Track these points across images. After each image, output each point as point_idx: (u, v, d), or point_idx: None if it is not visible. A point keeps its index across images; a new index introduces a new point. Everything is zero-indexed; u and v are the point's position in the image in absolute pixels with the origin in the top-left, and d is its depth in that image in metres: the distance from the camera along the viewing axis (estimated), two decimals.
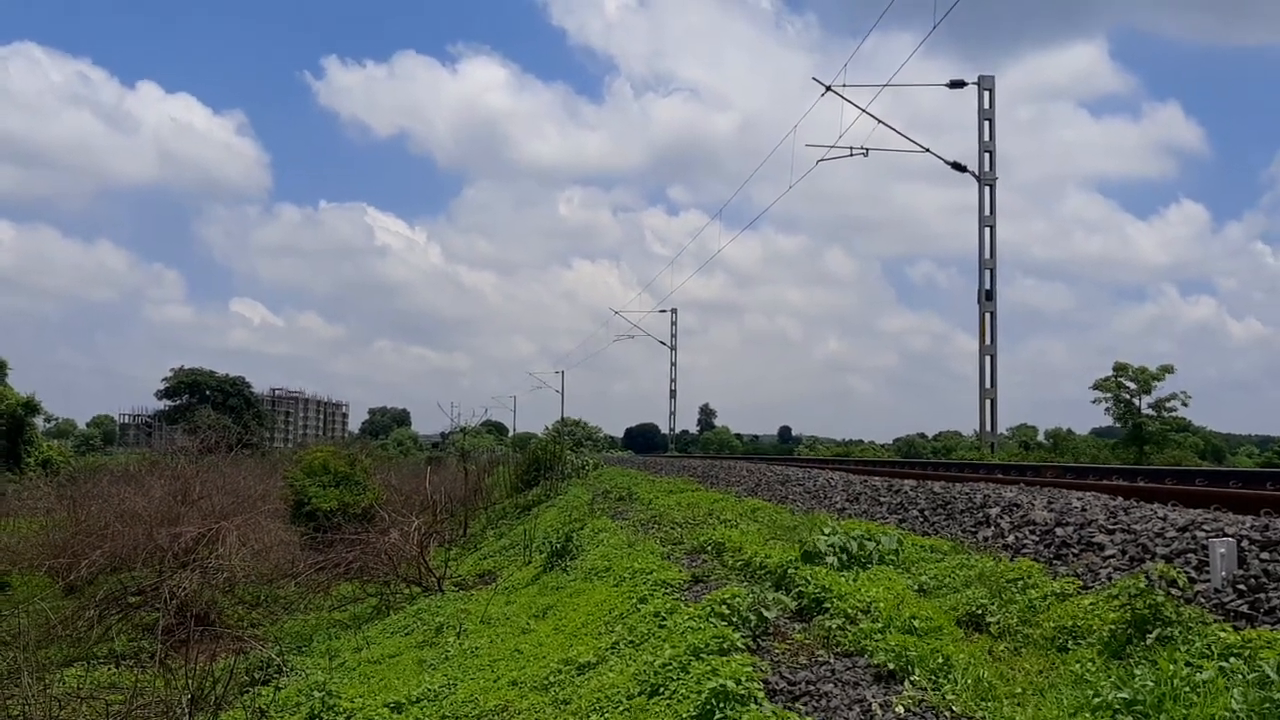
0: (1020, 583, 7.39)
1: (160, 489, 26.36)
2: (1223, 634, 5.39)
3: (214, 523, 22.06)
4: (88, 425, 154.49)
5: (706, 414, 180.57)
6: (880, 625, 6.75)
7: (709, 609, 7.62)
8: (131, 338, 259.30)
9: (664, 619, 8.33)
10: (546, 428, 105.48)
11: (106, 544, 22.14)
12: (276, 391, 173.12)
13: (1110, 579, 7.14)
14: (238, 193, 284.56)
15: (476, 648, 11.40)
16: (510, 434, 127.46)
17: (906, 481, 14.62)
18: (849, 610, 7.24)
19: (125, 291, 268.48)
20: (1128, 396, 53.61)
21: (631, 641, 8.33)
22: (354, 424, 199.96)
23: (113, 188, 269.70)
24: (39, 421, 71.03)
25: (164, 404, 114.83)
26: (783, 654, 6.75)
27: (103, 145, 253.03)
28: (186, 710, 11.09)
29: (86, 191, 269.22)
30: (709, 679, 5.90)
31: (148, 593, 19.09)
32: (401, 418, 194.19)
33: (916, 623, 6.71)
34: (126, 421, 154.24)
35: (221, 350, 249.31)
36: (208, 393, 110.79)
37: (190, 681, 11.72)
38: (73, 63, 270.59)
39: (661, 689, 6.46)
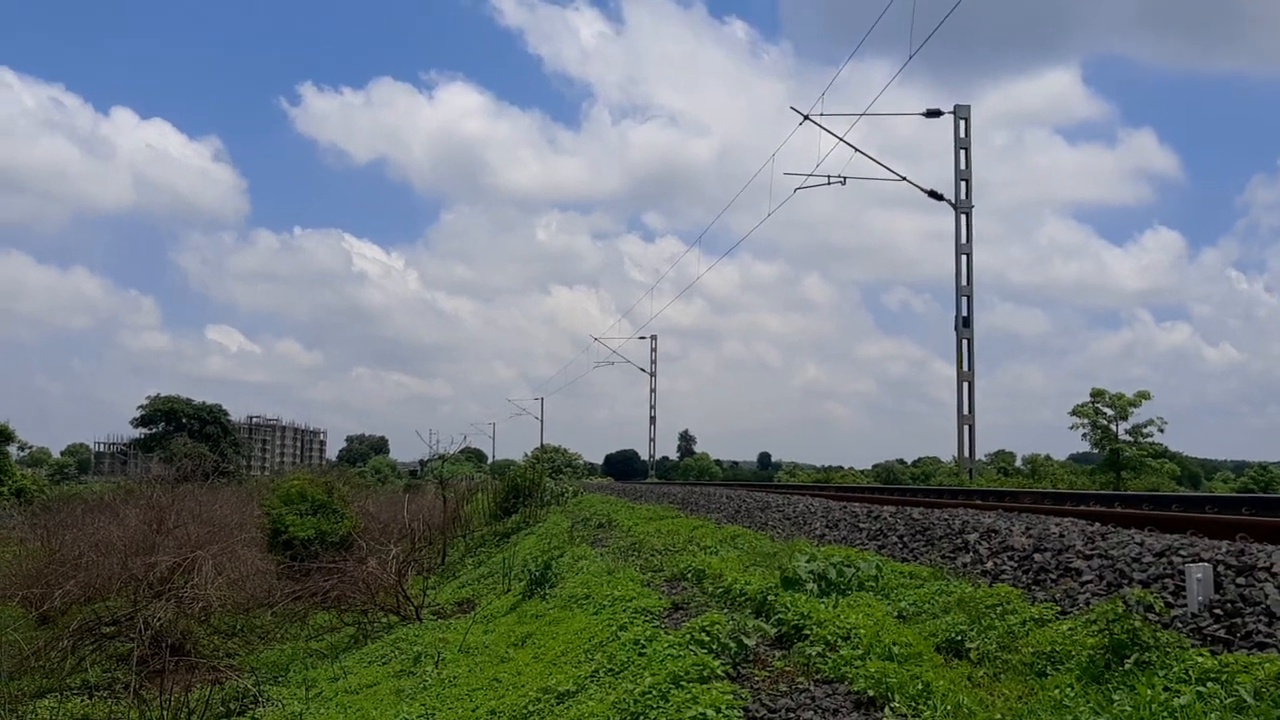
0: (999, 608, 7.40)
1: (135, 518, 26.16)
2: (1200, 659, 5.41)
3: (189, 552, 21.87)
4: (62, 453, 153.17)
5: (686, 440, 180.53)
6: (860, 652, 6.75)
7: (689, 636, 7.60)
8: (107, 365, 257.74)
9: (644, 647, 8.29)
10: (526, 454, 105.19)
11: (81, 573, 21.93)
12: (254, 419, 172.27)
13: (1088, 604, 7.16)
14: (214, 219, 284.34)
15: (454, 677, 11.32)
16: (489, 461, 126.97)
17: (885, 508, 14.64)
18: (829, 637, 7.23)
19: (101, 318, 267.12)
20: (1105, 422, 53.91)
21: (611, 669, 8.28)
22: (332, 451, 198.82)
23: (88, 214, 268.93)
24: (12, 450, 70.36)
25: (140, 432, 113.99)
26: (763, 681, 6.74)
27: (78, 171, 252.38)
28: None
29: (61, 218, 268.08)
30: (689, 707, 5.88)
31: (122, 623, 18.87)
32: (379, 445, 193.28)
33: (896, 649, 6.71)
34: (102, 450, 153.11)
35: (198, 377, 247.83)
36: (184, 420, 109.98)
37: (165, 713, 11.59)
38: (45, 88, 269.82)
39: (642, 717, 6.42)
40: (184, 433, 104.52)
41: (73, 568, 22.49)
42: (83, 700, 16.21)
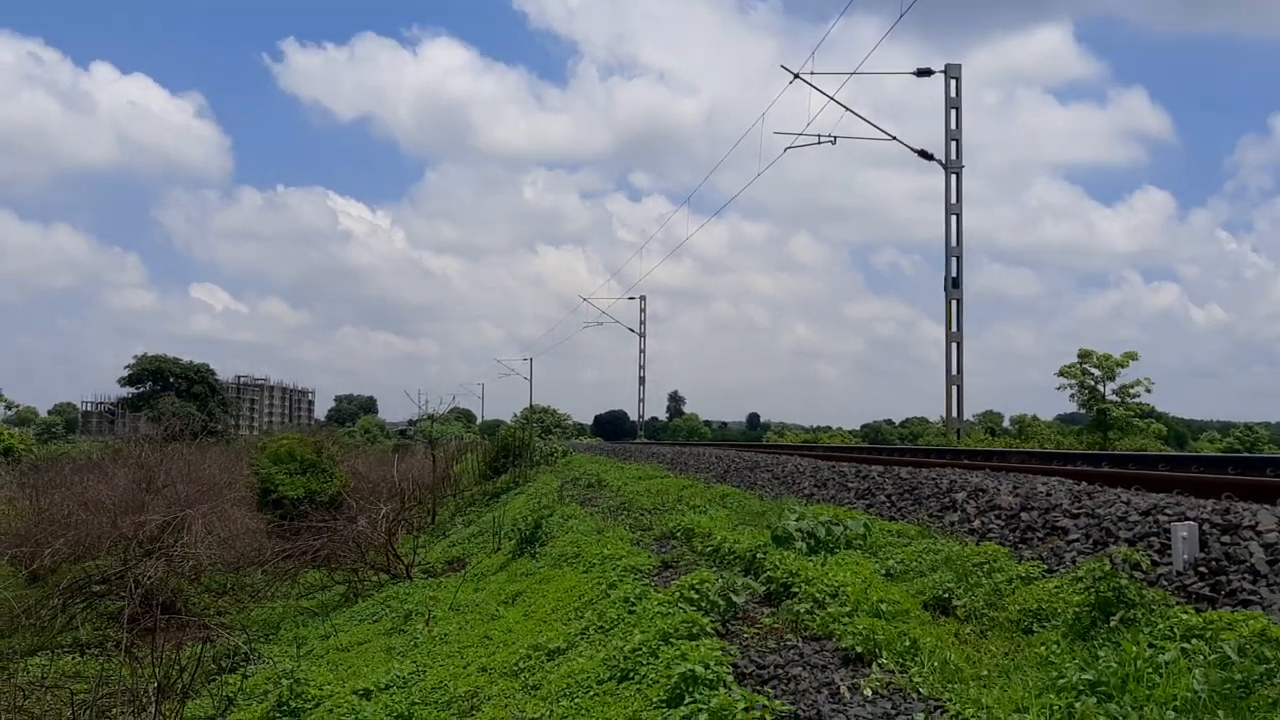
0: (986, 566, 7.46)
1: (124, 477, 26.10)
2: (1185, 616, 5.47)
3: (179, 511, 21.85)
4: (49, 413, 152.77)
5: (675, 401, 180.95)
6: (848, 609, 6.80)
7: (678, 594, 7.65)
8: (92, 324, 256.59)
9: (633, 604, 8.35)
10: (515, 415, 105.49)
11: (70, 532, 21.89)
12: (241, 379, 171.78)
13: (1074, 562, 7.22)
14: (197, 176, 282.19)
15: (445, 634, 11.38)
16: (478, 421, 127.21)
17: (874, 467, 14.71)
18: (817, 594, 7.29)
19: (85, 276, 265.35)
20: (1092, 383, 54.09)
21: (601, 627, 8.34)
22: (320, 411, 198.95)
23: (70, 171, 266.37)
24: None
25: (127, 391, 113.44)
26: (752, 638, 6.79)
27: (59, 127, 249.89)
28: (153, 699, 10.99)
29: (43, 175, 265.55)
30: (678, 663, 5.93)
31: (112, 581, 18.88)
32: (368, 405, 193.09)
33: (884, 606, 6.77)
34: (89, 409, 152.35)
35: (185, 337, 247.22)
36: (171, 380, 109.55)
37: (156, 670, 11.62)
38: (24, 42, 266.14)
39: (631, 674, 6.48)
40: (171, 392, 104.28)
41: (62, 526, 22.44)
42: (74, 658, 16.25)
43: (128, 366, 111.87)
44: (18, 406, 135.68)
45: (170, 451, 29.49)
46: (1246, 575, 6.04)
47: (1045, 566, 7.34)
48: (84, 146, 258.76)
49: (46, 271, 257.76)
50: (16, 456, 54.95)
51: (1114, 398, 53.79)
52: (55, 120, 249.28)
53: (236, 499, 27.94)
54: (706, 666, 5.78)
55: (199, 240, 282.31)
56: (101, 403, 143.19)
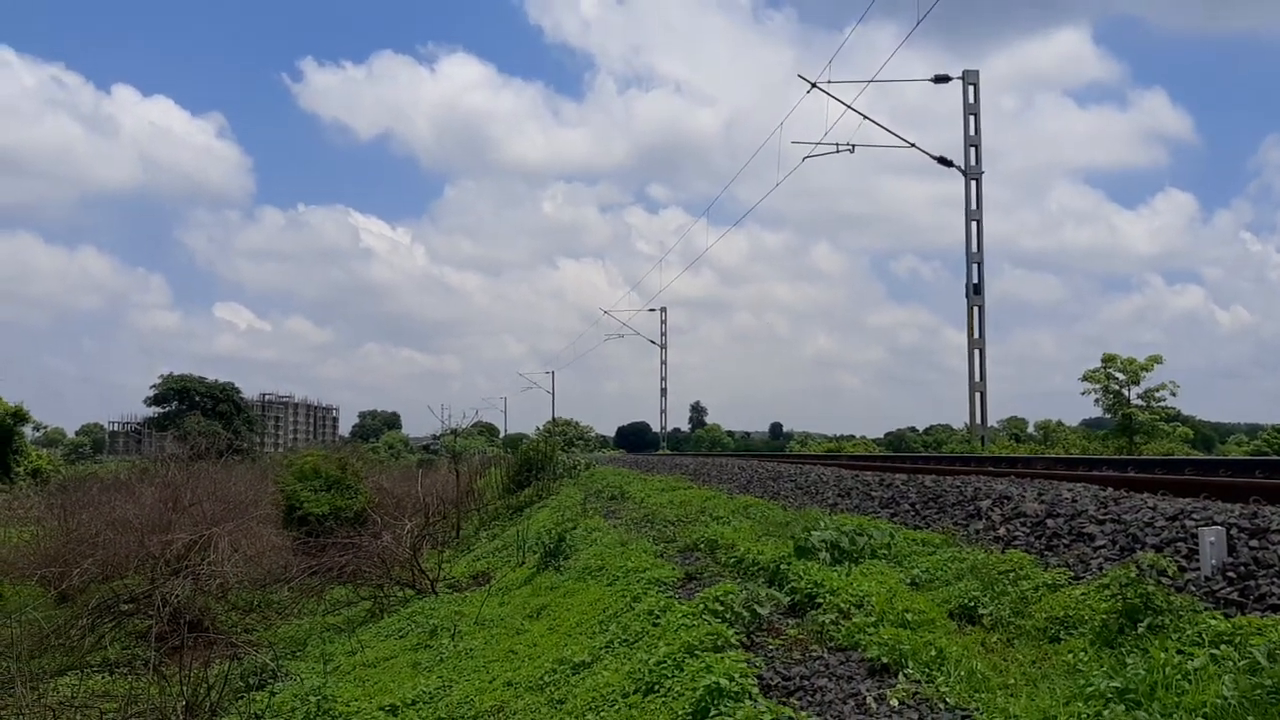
0: (1012, 574, 7.41)
1: (151, 496, 26.25)
2: (1213, 622, 5.42)
3: (205, 529, 21.98)
4: (77, 433, 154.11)
5: (697, 412, 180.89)
6: (873, 619, 6.77)
7: (702, 606, 7.64)
8: (119, 345, 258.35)
9: (658, 617, 8.34)
10: (538, 428, 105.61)
11: (98, 552, 22.07)
12: (266, 396, 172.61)
13: (1101, 569, 7.17)
14: (220, 197, 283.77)
15: (471, 649, 11.40)
16: (501, 435, 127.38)
17: (898, 475, 14.65)
18: (842, 605, 7.26)
19: (110, 298, 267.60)
20: (1116, 387, 53.72)
21: (626, 640, 8.34)
22: (344, 428, 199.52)
23: (95, 193, 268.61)
24: (28, 430, 70.73)
25: (153, 411, 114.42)
26: (776, 650, 6.77)
27: (83, 150, 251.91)
28: (181, 716, 11.06)
29: (69, 198, 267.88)
30: (703, 676, 5.92)
31: (140, 600, 19.00)
32: (392, 421, 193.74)
33: (909, 616, 6.74)
34: (116, 429, 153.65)
35: (209, 356, 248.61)
36: (197, 399, 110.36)
37: (185, 688, 11.69)
38: (46, 67, 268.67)
39: (656, 687, 6.47)
40: (197, 411, 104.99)
41: (90, 546, 22.63)
42: (103, 677, 16.36)
43: (154, 386, 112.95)
44: (46, 428, 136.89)
45: (196, 470, 29.63)
46: (1276, 579, 5.98)
47: (1071, 574, 7.28)
48: (107, 169, 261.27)
49: (73, 294, 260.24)
50: (45, 477, 55.36)
51: (1139, 402, 53.40)
52: (79, 143, 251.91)
53: (262, 516, 28.10)
54: (731, 679, 5.77)
55: (222, 260, 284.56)
56: (128, 423, 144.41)
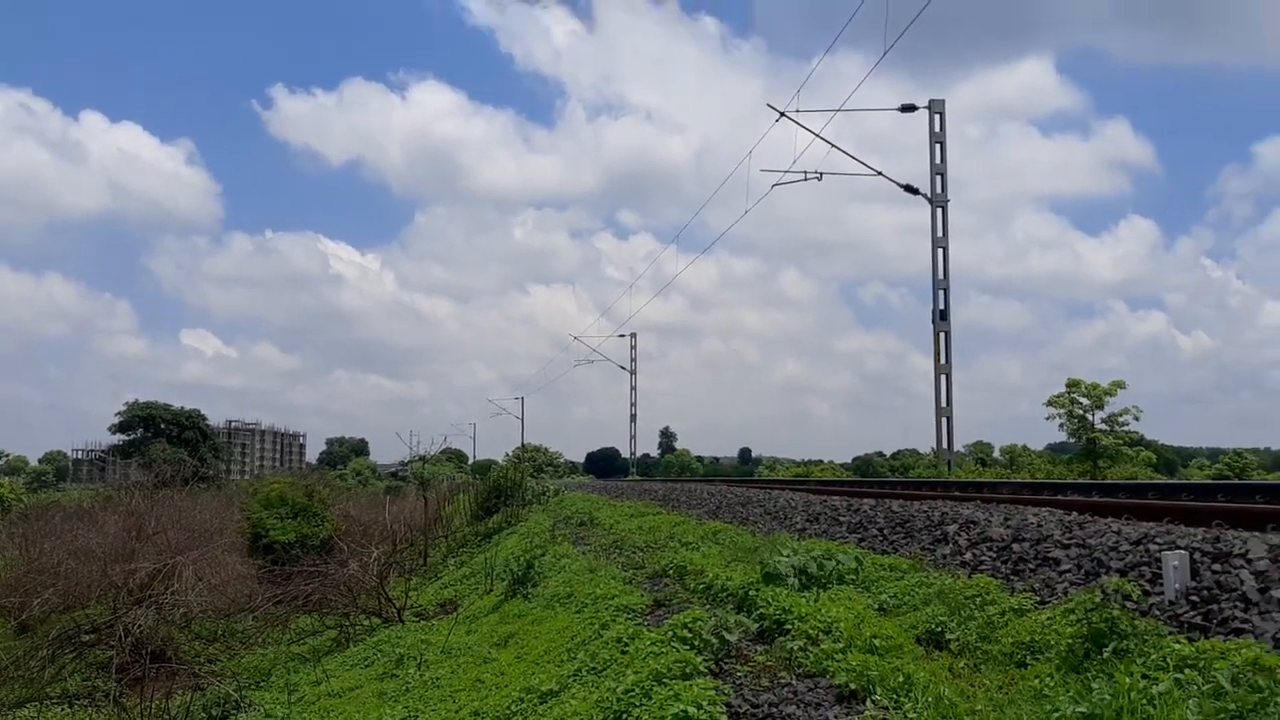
0: (979, 599, 7.43)
1: (114, 525, 25.97)
2: (1177, 646, 5.45)
3: (169, 558, 21.71)
4: (40, 461, 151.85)
5: (667, 437, 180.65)
6: (841, 645, 6.77)
7: (671, 633, 7.61)
8: (84, 371, 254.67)
9: (626, 645, 8.30)
10: (507, 454, 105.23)
11: (60, 581, 21.78)
12: (232, 423, 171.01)
13: (1066, 593, 7.20)
14: (188, 223, 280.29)
15: (437, 678, 11.30)
16: (470, 461, 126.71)
17: (865, 500, 14.69)
18: (810, 631, 7.26)
19: (76, 324, 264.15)
20: (1081, 412, 54.12)
21: (594, 668, 8.29)
22: (311, 454, 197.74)
23: (62, 220, 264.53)
24: None
25: (118, 438, 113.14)
26: (745, 677, 6.75)
27: (51, 176, 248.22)
28: None
29: (36, 224, 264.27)
30: (672, 704, 5.89)
31: (102, 630, 18.72)
32: (360, 448, 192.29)
33: (877, 642, 6.74)
34: (80, 457, 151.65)
35: (176, 383, 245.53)
36: (162, 426, 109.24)
37: None
38: (13, 93, 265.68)
39: (625, 715, 6.43)
40: (162, 438, 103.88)
41: (51, 576, 22.33)
42: (63, 709, 16.10)
43: (119, 414, 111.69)
44: (8, 455, 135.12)
45: (161, 498, 29.30)
46: (1238, 604, 6.03)
47: (1037, 598, 7.31)
48: (75, 195, 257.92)
49: (39, 320, 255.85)
50: (6, 506, 54.60)
51: (1103, 426, 53.82)
52: (47, 169, 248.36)
53: (227, 545, 27.81)
54: (700, 707, 5.74)
55: (189, 286, 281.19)
56: (92, 450, 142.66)
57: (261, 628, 21.81)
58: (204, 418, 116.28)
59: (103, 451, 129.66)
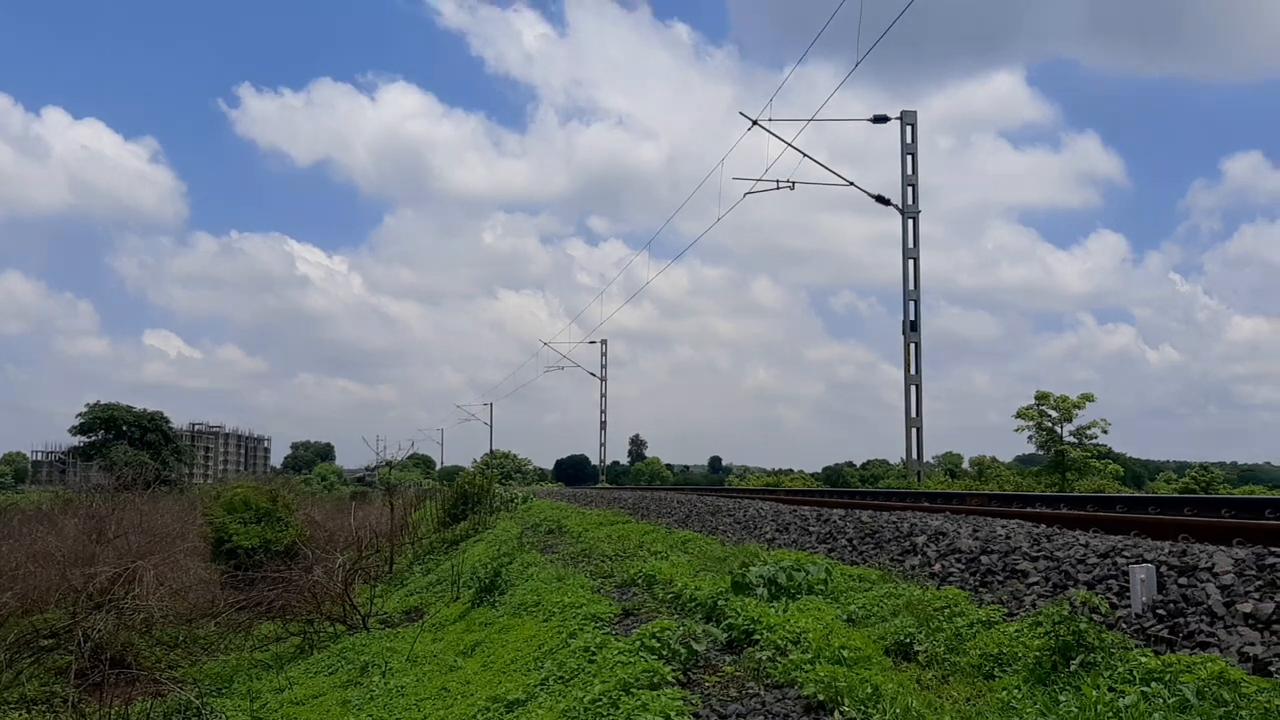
0: (947, 611, 7.44)
1: (74, 528, 25.65)
2: (1144, 659, 5.47)
3: (130, 562, 21.45)
4: None
5: (637, 445, 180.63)
6: (810, 656, 6.74)
7: (639, 643, 7.56)
8: (43, 371, 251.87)
9: (594, 654, 8.24)
10: (475, 461, 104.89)
11: (17, 585, 21.41)
12: (196, 426, 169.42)
13: (1035, 606, 7.22)
14: (152, 222, 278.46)
15: (402, 687, 11.19)
16: (437, 467, 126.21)
17: (835, 511, 14.71)
18: (779, 641, 7.23)
19: (36, 323, 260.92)
20: (1049, 424, 54.61)
21: (561, 677, 8.22)
22: (276, 459, 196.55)
23: (23, 217, 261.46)
24: None
25: (78, 440, 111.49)
26: (713, 687, 6.71)
27: (12, 173, 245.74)
28: None
29: None
30: (640, 714, 5.84)
31: (61, 635, 18.47)
32: (325, 452, 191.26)
33: (845, 653, 6.72)
34: (39, 458, 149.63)
35: (138, 384, 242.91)
36: (124, 428, 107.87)
37: None
38: None
39: None
40: (124, 441, 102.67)
41: (9, 579, 21.96)
42: (20, 715, 15.83)
43: (79, 415, 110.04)
44: None
45: (122, 501, 28.99)
46: (1204, 617, 6.06)
47: (1006, 610, 7.33)
48: (36, 192, 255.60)
49: None
50: None
51: (1071, 439, 54.32)
52: (8, 165, 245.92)
53: (190, 549, 27.52)
54: (668, 717, 5.70)
55: (153, 286, 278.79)
56: (52, 452, 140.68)
57: (224, 634, 21.60)
58: (167, 420, 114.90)
59: (63, 453, 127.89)
